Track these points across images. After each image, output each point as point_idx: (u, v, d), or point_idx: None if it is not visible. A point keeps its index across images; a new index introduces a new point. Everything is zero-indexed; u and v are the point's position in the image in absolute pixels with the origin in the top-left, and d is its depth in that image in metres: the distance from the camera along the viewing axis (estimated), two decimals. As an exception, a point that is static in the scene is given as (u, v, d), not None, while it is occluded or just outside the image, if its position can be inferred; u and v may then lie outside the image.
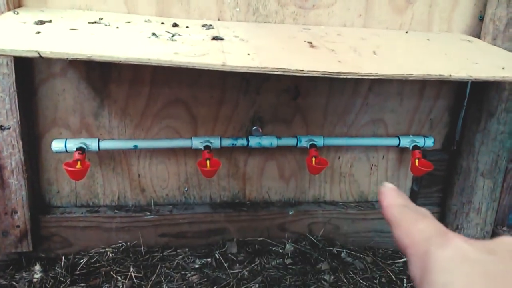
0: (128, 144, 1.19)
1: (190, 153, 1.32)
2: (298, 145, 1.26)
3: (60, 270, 1.22)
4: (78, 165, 1.10)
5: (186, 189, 1.37)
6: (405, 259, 1.41)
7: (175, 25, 1.09)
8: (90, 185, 1.32)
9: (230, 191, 1.39)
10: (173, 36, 0.99)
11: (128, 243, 1.33)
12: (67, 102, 1.21)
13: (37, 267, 1.23)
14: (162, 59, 0.82)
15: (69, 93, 1.20)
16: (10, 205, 1.19)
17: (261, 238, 1.40)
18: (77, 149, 1.13)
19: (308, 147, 1.25)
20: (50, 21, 0.98)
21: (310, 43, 1.05)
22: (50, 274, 1.21)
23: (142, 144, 1.19)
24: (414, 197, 1.46)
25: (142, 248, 1.33)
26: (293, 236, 1.42)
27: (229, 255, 1.33)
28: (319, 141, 1.26)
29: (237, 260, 1.32)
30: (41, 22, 0.96)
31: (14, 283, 1.21)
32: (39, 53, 0.78)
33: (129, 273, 1.23)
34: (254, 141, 1.23)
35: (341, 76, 0.88)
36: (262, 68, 0.85)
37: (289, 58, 0.92)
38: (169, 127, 1.28)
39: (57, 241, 1.30)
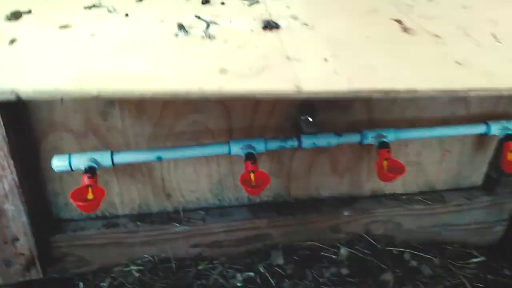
0: (150, 156, 0.92)
1: (224, 151, 1.05)
2: (364, 142, 1.00)
3: (79, 302, 1.03)
4: (90, 195, 0.85)
5: (219, 190, 1.13)
6: (478, 258, 1.21)
7: (205, 1, 0.77)
8: (107, 192, 1.07)
9: (272, 190, 1.15)
10: (208, 26, 0.68)
11: (155, 257, 1.13)
12: (64, 101, 0.93)
13: (52, 298, 1.04)
14: (206, 88, 0.53)
15: (66, 90, 0.91)
16: (9, 234, 0.96)
17: (310, 242, 1.18)
18: (86, 170, 0.87)
19: (377, 145, 0.98)
20: (29, 12, 0.67)
21: (400, 22, 0.74)
22: (69, 308, 1.02)
23: (168, 154, 0.93)
24: (492, 185, 1.22)
25: (173, 263, 1.13)
26: (347, 238, 1.20)
27: (275, 268, 1.13)
28: (390, 135, 0.99)
29: (286, 274, 1.12)
30: (17, 16, 0.65)
31: (28, 315, 1.03)
32: (17, 95, 0.50)
33: (162, 301, 1.04)
34: (307, 142, 0.96)
35: (471, 94, 0.60)
36: (355, 92, 0.56)
37: (385, 63, 0.63)
38: (197, 123, 1.00)
39: (71, 261, 1.09)
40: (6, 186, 0.90)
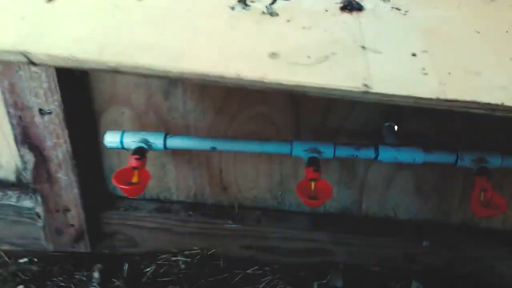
0: (204, 145, 0.84)
1: (290, 150, 0.93)
2: (458, 163, 0.81)
3: (119, 284, 1.00)
4: (135, 179, 0.78)
5: (280, 193, 1.02)
6: None
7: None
8: (161, 177, 1.02)
9: (340, 201, 1.01)
10: (274, 1, 0.56)
11: (205, 251, 1.05)
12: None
13: (96, 274, 1.01)
14: (245, 75, 0.42)
15: (130, 63, 0.86)
16: (61, 203, 0.95)
17: (377, 269, 1.02)
18: (135, 151, 0.81)
19: (476, 171, 0.79)
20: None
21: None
22: (109, 286, 0.99)
23: (223, 145, 0.83)
24: None
25: (221, 261, 1.04)
26: (422, 271, 1.02)
27: (332, 290, 1.00)
28: (494, 160, 0.79)
29: (342, 299, 0.98)
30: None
31: (73, 286, 1.02)
32: (29, 59, 0.43)
33: (201, 301, 0.96)
34: (386, 155, 0.80)
35: None
36: (446, 102, 0.41)
37: (496, 68, 0.46)
38: (262, 115, 0.90)
39: (121, 240, 1.06)
40: (60, 155, 0.88)
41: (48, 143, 0.86)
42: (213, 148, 0.83)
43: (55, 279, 1.04)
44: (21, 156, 0.89)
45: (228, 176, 1.00)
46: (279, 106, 0.88)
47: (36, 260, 1.10)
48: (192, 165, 0.99)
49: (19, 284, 1.05)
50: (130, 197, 0.85)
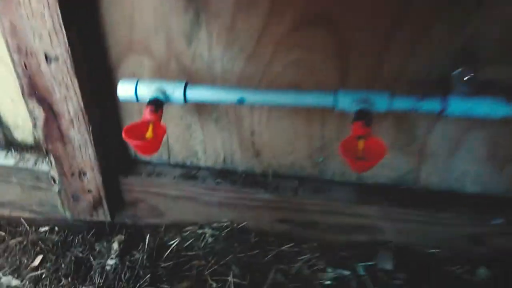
0: (230, 96, 0.70)
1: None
2: (550, 120, 0.63)
3: (140, 257, 0.90)
4: (149, 133, 0.67)
5: (321, 159, 0.87)
6: None
7: None
8: (186, 139, 0.91)
9: (393, 169, 0.85)
10: None
11: (234, 224, 0.94)
12: (145, 16, 0.76)
13: (115, 245, 0.92)
14: None
15: (147, 2, 0.74)
16: (76, 165, 0.85)
17: (436, 250, 0.86)
18: (150, 101, 0.69)
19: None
20: None
21: None
22: (127, 263, 0.89)
23: (252, 96, 0.70)
24: None
25: (252, 236, 0.92)
26: (491, 256, 0.85)
27: (380, 273, 0.85)
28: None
29: (392, 284, 0.83)
30: None
31: (92, 258, 0.93)
32: None
33: (229, 279, 0.85)
34: (457, 107, 0.64)
35: None
36: None
37: None
38: (301, 62, 0.75)
39: (144, 209, 0.96)
40: (71, 110, 0.78)
41: (57, 95, 0.76)
42: (241, 101, 0.70)
43: (74, 249, 0.96)
44: (30, 112, 0.80)
45: (261, 139, 0.87)
46: (323, 51, 0.73)
47: (57, 229, 1.03)
48: (221, 126, 0.87)
49: (38, 253, 0.98)
50: (143, 154, 0.73)
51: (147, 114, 0.67)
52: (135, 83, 0.72)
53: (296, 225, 0.91)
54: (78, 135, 0.81)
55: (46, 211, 1.00)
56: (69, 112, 0.78)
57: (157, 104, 0.69)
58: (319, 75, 0.75)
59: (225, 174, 0.92)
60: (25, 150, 0.99)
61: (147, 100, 0.70)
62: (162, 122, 0.70)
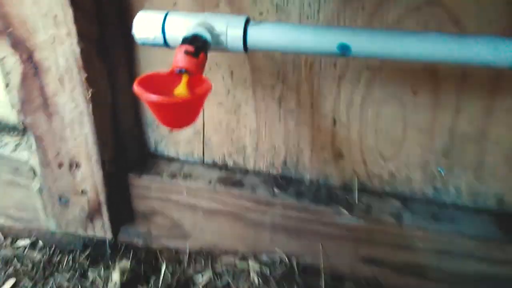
0: (324, 39, 0.40)
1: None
2: None
3: (150, 299, 0.60)
4: (181, 89, 0.37)
5: (441, 170, 0.56)
6: None
7: None
8: (231, 127, 0.61)
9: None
10: None
11: (293, 260, 0.62)
12: None
13: (116, 276, 0.62)
14: None
15: None
16: (65, 150, 0.57)
17: None
18: (187, 39, 0.40)
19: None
20: None
21: None
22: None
23: (363, 42, 0.40)
24: None
25: (323, 279, 0.60)
26: None
27: None
28: None
29: None
30: None
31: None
32: None
33: None
34: None
35: None
36: None
37: None
38: (433, 3, 0.45)
39: (161, 225, 0.66)
40: (61, 61, 0.49)
41: (42, 35, 0.48)
42: (344, 50, 0.40)
43: (59, 275, 0.67)
44: (1, 64, 0.52)
45: (346, 132, 0.56)
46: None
47: (41, 243, 0.75)
48: (286, 109, 0.57)
49: (10, 276, 0.70)
50: (167, 126, 0.42)
51: (180, 58, 0.38)
52: (164, 15, 0.43)
53: (389, 268, 0.59)
54: (71, 103, 0.52)
55: (27, 218, 0.71)
56: (58, 65, 0.50)
57: (198, 44, 0.39)
58: (462, 21, 0.45)
59: (285, 183, 0.61)
60: (5, 131, 0.71)
61: (183, 37, 0.41)
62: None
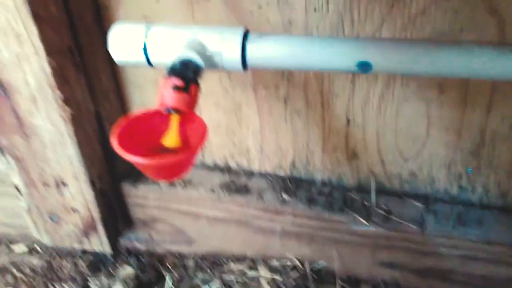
0: (342, 58, 0.33)
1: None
2: None
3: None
4: (171, 138, 0.31)
5: (469, 170, 0.50)
6: None
7: None
8: (233, 128, 0.55)
9: None
10: None
11: (305, 265, 0.58)
12: None
13: (118, 287, 0.59)
14: None
15: None
16: (49, 171, 0.51)
17: None
18: (174, 68, 0.32)
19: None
20: None
21: None
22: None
23: (390, 58, 0.33)
24: None
25: (338, 284, 0.57)
26: None
27: None
28: None
29: None
30: None
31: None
32: None
33: None
34: None
35: None
36: None
37: None
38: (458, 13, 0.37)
39: (164, 231, 0.62)
40: (31, 80, 0.42)
41: (5, 54, 0.41)
42: (364, 68, 0.33)
43: (62, 284, 0.64)
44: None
45: (361, 132, 0.50)
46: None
47: (39, 249, 0.71)
48: (292, 108, 0.50)
49: (8, 286, 0.67)
50: (160, 180, 0.36)
51: (168, 95, 0.31)
52: (145, 30, 0.36)
53: (410, 272, 0.55)
54: (48, 124, 0.46)
55: (19, 225, 0.67)
56: (28, 85, 0.43)
57: (189, 75, 0.32)
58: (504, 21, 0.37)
59: (294, 186, 0.56)
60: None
61: (169, 65, 0.33)
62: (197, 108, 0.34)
